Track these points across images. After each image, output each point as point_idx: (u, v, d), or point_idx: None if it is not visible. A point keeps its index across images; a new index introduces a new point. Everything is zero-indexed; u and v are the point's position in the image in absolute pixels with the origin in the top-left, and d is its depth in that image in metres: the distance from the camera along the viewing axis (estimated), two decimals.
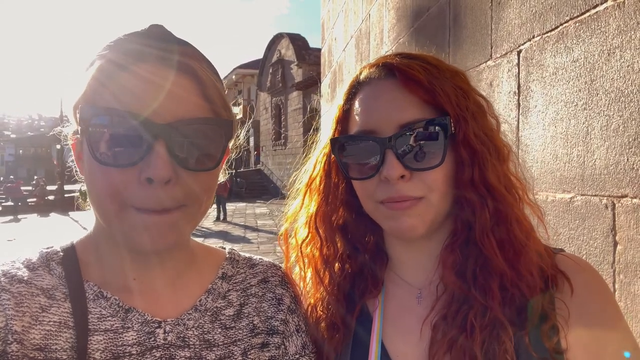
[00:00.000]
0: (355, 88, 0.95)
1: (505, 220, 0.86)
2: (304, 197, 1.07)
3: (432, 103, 0.85)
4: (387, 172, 0.84)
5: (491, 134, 0.90)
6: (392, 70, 0.89)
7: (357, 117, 0.91)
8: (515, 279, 0.83)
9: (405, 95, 0.86)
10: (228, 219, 17.48)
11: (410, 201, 0.86)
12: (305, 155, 1.10)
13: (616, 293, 1.35)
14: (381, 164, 0.85)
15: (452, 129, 0.85)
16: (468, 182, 0.86)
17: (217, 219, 17.22)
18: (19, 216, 22.74)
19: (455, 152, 0.86)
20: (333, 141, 0.95)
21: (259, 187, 29.97)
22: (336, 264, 1.04)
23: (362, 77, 0.94)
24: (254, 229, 15.20)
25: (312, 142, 1.09)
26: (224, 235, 13.69)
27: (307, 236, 1.05)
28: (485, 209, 0.85)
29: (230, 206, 19.36)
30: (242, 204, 22.84)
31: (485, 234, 0.85)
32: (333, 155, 0.97)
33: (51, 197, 26.96)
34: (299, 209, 1.08)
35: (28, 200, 26.70)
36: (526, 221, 0.89)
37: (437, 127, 0.84)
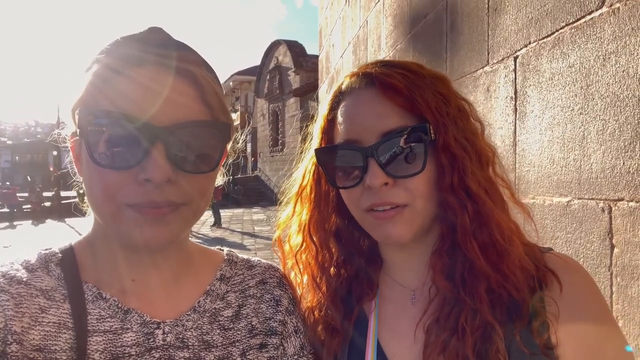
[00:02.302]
0: (338, 98, 0.96)
1: (486, 224, 0.86)
2: (295, 205, 1.07)
3: (412, 110, 0.86)
4: (370, 180, 0.85)
5: (473, 138, 0.91)
6: (372, 79, 0.90)
7: (340, 127, 0.93)
8: (501, 280, 0.84)
9: (385, 104, 0.87)
10: (225, 225, 17.39)
11: (395, 209, 0.87)
12: (296, 163, 1.11)
13: (613, 296, 1.35)
14: (364, 173, 0.87)
15: (432, 135, 0.86)
16: (448, 187, 0.87)
17: (214, 224, 17.19)
18: (15, 223, 22.63)
19: (436, 158, 0.87)
20: (317, 151, 0.97)
21: (256, 193, 29.92)
22: (332, 269, 1.05)
23: (343, 87, 0.96)
24: (252, 235, 15.15)
25: (301, 152, 1.09)
26: (221, 242, 13.63)
27: (301, 244, 1.06)
28: (465, 213, 0.86)
29: (227, 212, 19.30)
30: (239, 210, 22.78)
31: (468, 238, 0.86)
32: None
33: (47, 204, 26.85)
34: (291, 217, 1.08)
35: (24, 206, 26.59)
36: (509, 223, 0.90)
37: (417, 135, 0.85)
